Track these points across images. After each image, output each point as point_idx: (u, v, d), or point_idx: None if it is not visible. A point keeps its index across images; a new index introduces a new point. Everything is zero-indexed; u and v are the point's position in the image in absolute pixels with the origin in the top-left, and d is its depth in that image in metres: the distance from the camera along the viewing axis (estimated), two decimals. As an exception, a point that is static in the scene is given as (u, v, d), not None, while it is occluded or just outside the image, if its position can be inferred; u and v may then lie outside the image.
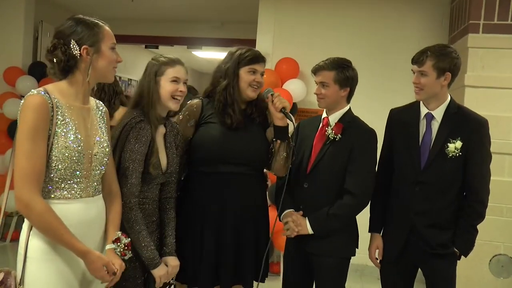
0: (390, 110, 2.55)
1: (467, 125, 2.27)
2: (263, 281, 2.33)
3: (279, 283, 2.60)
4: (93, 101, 1.91)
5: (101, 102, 1.99)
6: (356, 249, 2.46)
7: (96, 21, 1.79)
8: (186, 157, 2.30)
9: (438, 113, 2.32)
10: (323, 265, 2.37)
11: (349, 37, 4.76)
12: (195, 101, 2.35)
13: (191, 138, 2.29)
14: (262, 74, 2.32)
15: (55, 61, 1.74)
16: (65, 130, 1.70)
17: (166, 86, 2.06)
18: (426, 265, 2.35)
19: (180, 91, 2.08)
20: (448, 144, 2.24)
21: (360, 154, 2.33)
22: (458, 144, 2.23)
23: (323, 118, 2.44)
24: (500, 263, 3.85)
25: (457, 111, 2.32)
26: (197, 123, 2.29)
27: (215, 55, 7.83)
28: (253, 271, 2.30)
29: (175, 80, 2.07)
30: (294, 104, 4.58)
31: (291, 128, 2.36)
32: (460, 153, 2.23)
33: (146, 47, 6.53)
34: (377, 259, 2.49)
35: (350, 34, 4.76)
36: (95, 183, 1.82)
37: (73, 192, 1.73)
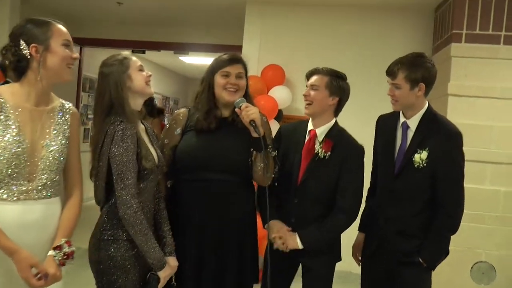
0: (378, 116, 2.56)
1: (437, 136, 2.24)
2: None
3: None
4: (57, 103, 1.88)
5: (70, 104, 1.95)
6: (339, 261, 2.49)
7: (47, 20, 1.78)
8: (172, 165, 2.28)
9: (413, 122, 2.30)
10: (310, 275, 2.38)
11: (335, 45, 4.80)
12: (182, 110, 2.34)
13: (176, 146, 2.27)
14: (238, 76, 2.24)
15: (7, 63, 1.74)
16: (4, 131, 1.68)
17: (137, 76, 2.05)
18: (398, 273, 2.32)
19: (149, 75, 2.09)
20: (415, 154, 2.24)
21: (349, 171, 2.33)
22: (424, 154, 2.21)
23: (310, 131, 2.40)
24: (481, 270, 3.89)
25: (432, 121, 2.30)
26: (183, 131, 2.27)
27: (201, 61, 7.83)
28: (236, 278, 2.26)
29: (141, 69, 2.07)
30: (280, 111, 4.59)
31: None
32: (425, 164, 2.21)
33: (132, 51, 6.48)
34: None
35: (336, 42, 4.80)
36: (42, 187, 1.78)
37: (11, 194, 1.71)
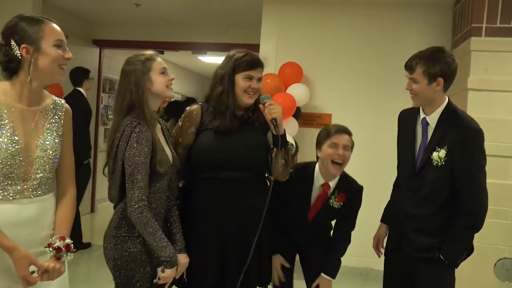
0: (400, 111, 2.53)
1: (456, 132, 2.19)
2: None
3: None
4: (49, 100, 1.86)
5: (62, 101, 1.92)
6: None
7: (40, 18, 1.75)
8: (186, 163, 2.28)
9: (433, 119, 2.27)
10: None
11: (352, 41, 4.77)
12: (195, 107, 2.31)
13: (192, 144, 2.26)
14: (259, 80, 2.27)
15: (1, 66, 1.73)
16: None
17: (158, 79, 2.06)
18: (418, 270, 2.32)
19: (172, 79, 2.11)
20: (433, 152, 2.21)
21: (353, 213, 2.57)
22: (442, 153, 2.18)
23: (323, 184, 2.53)
24: (505, 267, 3.83)
25: (452, 117, 2.25)
26: (198, 130, 2.26)
27: (220, 60, 7.82)
28: (256, 275, 2.29)
29: (163, 72, 2.07)
30: (298, 109, 4.59)
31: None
32: (444, 163, 2.18)
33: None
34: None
35: (353, 38, 4.77)
36: (35, 185, 1.78)
37: (6, 194, 1.71)
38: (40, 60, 1.71)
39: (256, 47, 4.98)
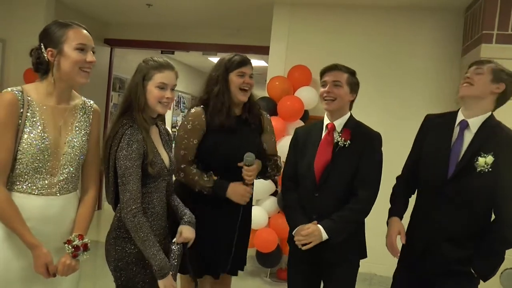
0: (426, 115, 2.45)
1: (503, 141, 2.11)
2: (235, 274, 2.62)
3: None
4: (79, 101, 1.96)
5: (92, 102, 2.01)
6: (365, 258, 2.46)
7: (68, 22, 1.84)
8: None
9: (475, 123, 2.17)
10: (332, 273, 2.37)
11: (362, 46, 4.76)
12: (198, 109, 2.45)
13: (199, 145, 2.43)
14: (251, 76, 2.45)
15: (33, 66, 1.86)
16: (31, 127, 1.77)
17: (153, 91, 2.01)
18: (441, 282, 2.20)
19: (167, 97, 2.03)
20: (479, 157, 2.09)
21: (369, 158, 2.34)
22: (489, 159, 2.07)
23: (327, 124, 2.42)
24: (511, 277, 3.79)
25: (495, 127, 2.17)
26: (204, 131, 2.42)
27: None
28: (238, 260, 2.58)
29: (162, 87, 2.02)
30: (306, 112, 4.58)
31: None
32: (491, 169, 2.07)
33: (162, 52, 6.59)
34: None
35: (363, 43, 4.76)
36: (63, 182, 1.86)
37: (35, 188, 1.80)
38: (62, 63, 1.81)
39: (266, 50, 5.00)
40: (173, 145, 2.35)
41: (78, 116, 1.93)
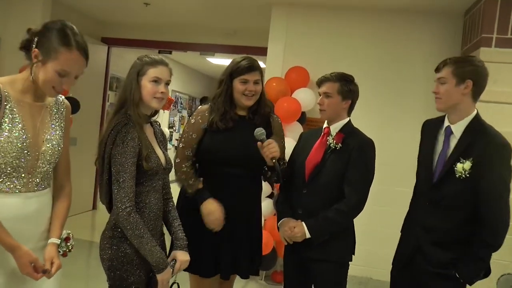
0: (424, 121, 2.47)
1: (484, 146, 2.10)
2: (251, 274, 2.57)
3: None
4: (51, 98, 1.89)
5: (62, 97, 1.96)
6: (353, 255, 2.50)
7: (71, 41, 1.72)
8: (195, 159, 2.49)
9: (458, 128, 2.19)
10: (320, 271, 2.43)
11: (360, 48, 4.74)
12: (206, 106, 2.52)
13: (200, 141, 2.46)
14: (255, 83, 2.44)
15: (20, 45, 1.78)
16: (10, 125, 1.71)
17: (147, 86, 2.03)
18: (430, 285, 2.23)
19: (161, 92, 2.04)
20: (457, 163, 2.12)
21: (357, 162, 2.39)
22: (467, 165, 2.09)
23: (324, 128, 2.53)
24: (508, 283, 3.76)
25: (479, 129, 2.16)
26: (206, 128, 2.45)
27: (227, 62, 7.84)
28: (248, 262, 2.50)
29: (156, 81, 2.03)
30: (303, 114, 4.56)
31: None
32: (468, 175, 2.09)
33: (159, 52, 6.56)
34: None
35: (361, 45, 4.74)
36: (39, 179, 1.82)
37: (12, 186, 1.75)
38: (39, 73, 1.74)
39: (264, 51, 4.98)
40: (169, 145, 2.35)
41: (53, 113, 1.89)
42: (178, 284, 2.24)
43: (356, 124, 2.57)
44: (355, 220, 2.49)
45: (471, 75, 2.13)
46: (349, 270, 2.54)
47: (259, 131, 2.32)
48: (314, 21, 4.85)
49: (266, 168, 2.42)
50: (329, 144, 2.44)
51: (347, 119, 2.52)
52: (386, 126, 4.55)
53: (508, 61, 3.75)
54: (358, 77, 2.55)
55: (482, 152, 2.10)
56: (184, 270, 2.26)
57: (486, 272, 2.22)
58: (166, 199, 2.22)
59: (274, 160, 2.29)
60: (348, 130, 2.48)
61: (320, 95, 2.51)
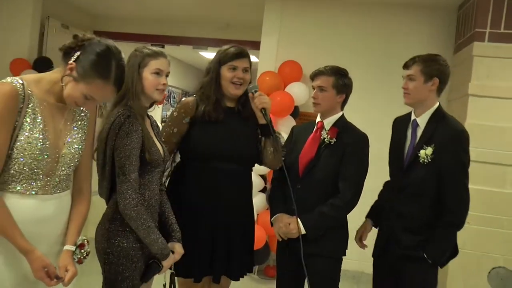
0: (394, 118, 2.61)
1: (444, 133, 2.28)
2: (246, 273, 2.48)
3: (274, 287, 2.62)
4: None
5: None
6: (346, 250, 2.50)
7: (111, 73, 1.67)
8: (180, 153, 2.40)
9: (423, 120, 2.36)
10: (313, 265, 2.39)
11: (353, 42, 4.73)
12: (190, 99, 2.40)
13: (186, 134, 2.34)
14: (245, 70, 2.34)
15: (61, 47, 1.73)
16: (31, 125, 1.65)
17: (149, 78, 2.04)
18: (403, 267, 2.34)
19: (163, 84, 2.07)
20: (421, 150, 2.28)
21: (352, 157, 2.40)
22: (429, 150, 2.26)
23: (317, 122, 2.52)
24: (499, 276, 3.79)
25: (440, 119, 2.34)
26: (192, 121, 2.34)
27: (221, 56, 7.82)
28: (240, 263, 2.41)
29: (158, 73, 2.04)
30: (296, 108, 4.55)
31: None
32: (430, 160, 2.25)
33: (151, 45, 6.53)
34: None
35: (354, 39, 4.73)
36: (57, 181, 1.76)
37: (29, 188, 1.69)
38: (67, 84, 1.68)
39: (257, 45, 4.95)
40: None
41: (77, 115, 1.83)
42: (174, 273, 2.22)
43: (350, 118, 2.56)
44: (348, 215, 2.49)
45: (437, 73, 2.32)
46: (342, 265, 2.53)
47: (252, 85, 2.33)
48: (308, 15, 4.83)
49: (258, 131, 2.38)
50: (323, 139, 2.43)
51: (340, 113, 2.51)
52: (381, 120, 4.54)
53: (501, 56, 3.76)
54: (351, 71, 2.55)
55: (442, 138, 2.26)
56: (176, 275, 2.23)
57: (453, 253, 2.38)
58: (161, 190, 2.21)
59: (263, 111, 2.29)
60: (342, 125, 2.48)
61: (314, 88, 2.50)
